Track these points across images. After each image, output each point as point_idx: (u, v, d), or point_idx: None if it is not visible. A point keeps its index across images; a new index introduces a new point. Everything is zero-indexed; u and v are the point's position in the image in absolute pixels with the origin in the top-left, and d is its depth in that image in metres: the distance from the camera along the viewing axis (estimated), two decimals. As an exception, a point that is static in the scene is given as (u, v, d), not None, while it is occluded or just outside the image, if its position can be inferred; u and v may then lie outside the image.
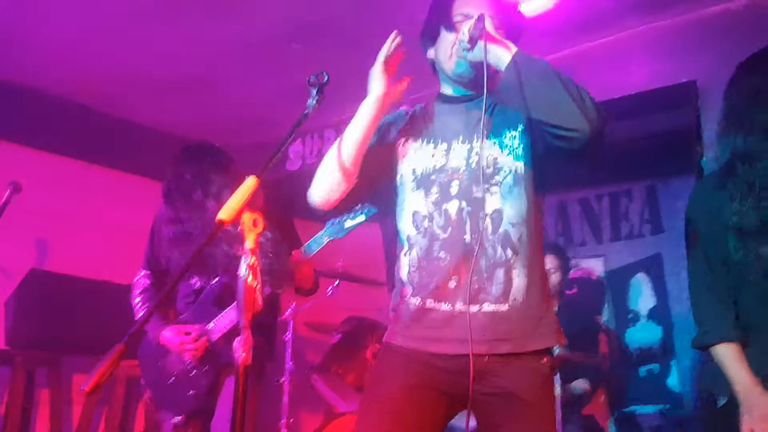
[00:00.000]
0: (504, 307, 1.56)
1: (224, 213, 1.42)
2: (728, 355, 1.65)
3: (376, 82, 1.66)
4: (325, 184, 1.67)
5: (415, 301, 1.64)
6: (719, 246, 1.68)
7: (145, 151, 4.01)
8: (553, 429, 1.62)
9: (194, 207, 2.53)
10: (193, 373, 2.49)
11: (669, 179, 3.91)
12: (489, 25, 1.57)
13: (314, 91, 1.65)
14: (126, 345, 1.24)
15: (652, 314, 3.95)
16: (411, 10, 2.71)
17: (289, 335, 3.21)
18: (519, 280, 1.57)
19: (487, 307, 1.56)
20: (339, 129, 3.94)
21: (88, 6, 2.90)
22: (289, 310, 3.24)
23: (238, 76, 3.52)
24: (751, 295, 1.65)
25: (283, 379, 3.13)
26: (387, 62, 1.65)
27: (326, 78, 1.66)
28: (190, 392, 2.47)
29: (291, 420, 3.11)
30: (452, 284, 1.58)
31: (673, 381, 3.69)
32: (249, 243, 1.45)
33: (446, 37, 1.69)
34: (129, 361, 2.63)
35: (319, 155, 4.03)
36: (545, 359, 1.59)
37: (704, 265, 1.74)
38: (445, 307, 1.59)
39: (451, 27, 1.67)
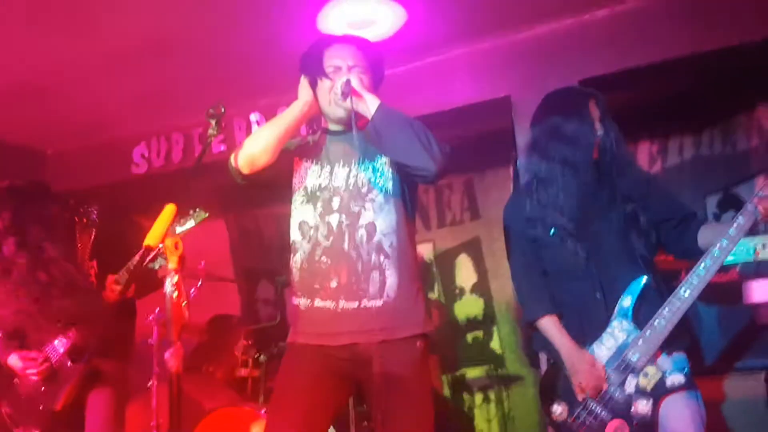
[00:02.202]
0: (379, 303, 1.86)
1: (150, 239, 1.59)
2: (550, 326, 2.09)
3: (305, 90, 1.98)
4: (253, 150, 1.88)
5: (304, 302, 1.92)
6: (529, 243, 2.16)
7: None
8: (426, 401, 1.90)
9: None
10: (43, 389, 2.62)
11: (484, 173, 4.45)
12: (356, 84, 1.88)
13: (213, 122, 1.86)
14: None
15: (474, 289, 4.49)
16: (251, 31, 2.95)
17: (154, 339, 3.24)
18: (391, 279, 1.88)
19: (365, 303, 1.86)
20: (187, 133, 3.99)
21: None
22: (153, 315, 3.28)
23: (82, 82, 3.43)
24: (562, 281, 2.13)
25: (150, 383, 3.17)
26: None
27: (223, 110, 1.88)
28: (41, 407, 2.60)
29: (160, 421, 3.17)
30: (333, 284, 1.88)
31: (495, 345, 4.29)
32: (172, 264, 1.63)
33: (322, 86, 1.97)
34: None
35: (167, 158, 4.04)
36: (419, 343, 1.91)
37: (521, 258, 2.21)
38: (329, 305, 1.88)
39: (325, 77, 1.96)
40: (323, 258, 1.89)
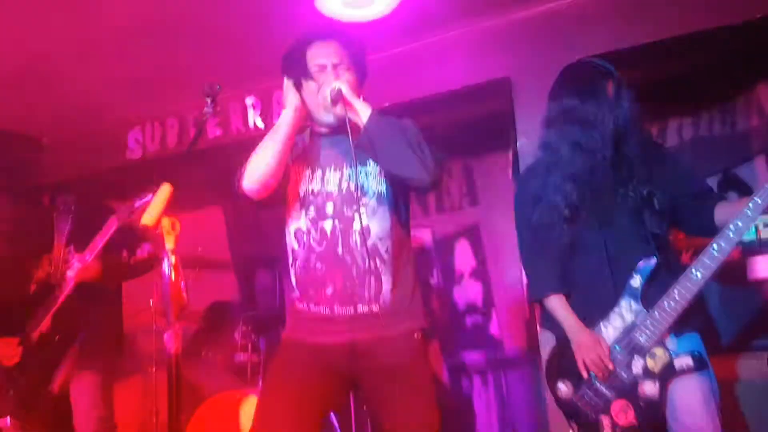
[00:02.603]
0: (375, 308, 1.84)
1: (148, 219, 1.56)
2: (556, 304, 2.07)
3: (291, 95, 1.90)
4: (256, 177, 1.83)
5: (301, 306, 1.90)
6: (540, 219, 2.11)
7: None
8: (428, 390, 1.90)
9: None
10: (13, 373, 2.64)
11: (482, 158, 4.42)
12: (346, 91, 1.82)
13: (209, 100, 1.82)
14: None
15: (474, 273, 4.49)
16: (246, 12, 2.91)
17: (156, 325, 3.24)
18: (387, 284, 1.86)
19: (361, 308, 1.84)
20: (181, 116, 3.95)
21: None
22: (151, 301, 3.27)
23: (76, 68, 3.39)
24: (572, 260, 2.09)
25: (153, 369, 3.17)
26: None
27: (218, 87, 1.84)
28: (10, 392, 2.62)
29: (159, 407, 3.18)
30: (329, 291, 1.85)
31: (494, 329, 4.29)
32: (169, 244, 1.60)
33: (308, 88, 1.90)
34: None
35: (162, 143, 4.00)
36: (416, 334, 1.90)
37: (530, 236, 2.17)
38: (324, 310, 1.86)
39: (310, 78, 1.89)
40: (318, 264, 1.87)
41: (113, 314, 2.95)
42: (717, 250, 1.89)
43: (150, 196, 2.50)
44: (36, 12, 2.87)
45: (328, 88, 1.83)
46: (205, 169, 3.18)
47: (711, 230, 1.98)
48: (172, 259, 1.59)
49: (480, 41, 3.33)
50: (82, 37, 3.10)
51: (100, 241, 2.56)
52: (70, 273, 2.57)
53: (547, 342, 2.24)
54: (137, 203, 2.54)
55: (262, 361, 3.11)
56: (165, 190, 1.59)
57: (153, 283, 3.04)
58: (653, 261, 1.99)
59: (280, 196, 1.91)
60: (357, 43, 1.99)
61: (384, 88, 3.01)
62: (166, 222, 1.58)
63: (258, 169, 1.84)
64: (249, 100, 3.74)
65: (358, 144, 1.80)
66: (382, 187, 1.90)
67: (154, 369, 3.19)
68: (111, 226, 2.56)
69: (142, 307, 3.33)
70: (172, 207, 1.60)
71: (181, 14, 3.00)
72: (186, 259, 3.21)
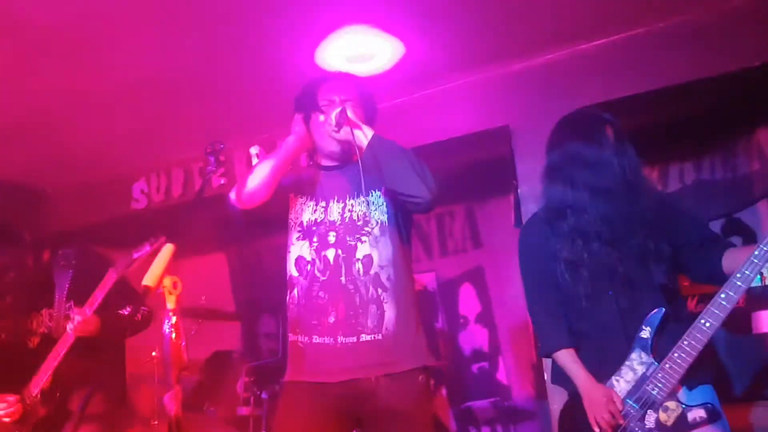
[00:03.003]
0: (378, 336, 1.83)
1: (149, 279, 1.56)
2: (567, 359, 2.03)
3: (299, 126, 2.01)
4: (250, 187, 1.90)
5: (302, 339, 1.88)
6: (547, 272, 2.08)
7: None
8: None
9: None
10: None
11: (485, 201, 4.41)
12: (350, 112, 1.88)
13: (212, 159, 1.85)
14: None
15: (479, 318, 4.43)
16: (250, 66, 2.97)
17: (157, 377, 3.20)
18: (390, 312, 1.85)
19: (364, 337, 1.83)
20: (186, 167, 3.99)
21: None
22: (155, 353, 3.24)
23: (81, 119, 3.45)
24: (577, 311, 2.06)
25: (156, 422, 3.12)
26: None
27: (222, 146, 1.87)
28: None
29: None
30: (331, 320, 1.84)
31: (501, 375, 4.21)
32: (170, 304, 1.59)
33: (316, 120, 1.99)
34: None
35: (167, 193, 4.03)
36: (421, 377, 1.87)
37: (538, 288, 2.14)
38: (327, 340, 1.84)
39: (319, 111, 1.98)
40: (320, 293, 1.87)
41: (116, 367, 2.91)
42: (725, 300, 1.86)
43: (147, 247, 2.53)
44: (39, 64, 2.93)
45: (334, 112, 1.89)
46: (208, 217, 3.19)
47: (719, 278, 1.94)
48: (173, 319, 1.57)
49: (480, 91, 3.41)
50: (86, 89, 3.16)
51: (99, 294, 2.55)
52: (69, 327, 2.55)
53: (557, 396, 2.20)
54: (135, 255, 2.54)
55: (264, 415, 3.06)
56: (167, 250, 1.59)
57: (156, 334, 3.00)
58: (662, 312, 1.95)
59: (262, 215, 1.95)
60: (367, 86, 2.09)
61: (387, 137, 3.04)
62: (167, 281, 1.57)
63: (251, 181, 1.91)
64: (254, 150, 3.77)
65: (363, 161, 1.84)
66: (385, 217, 1.93)
67: (156, 422, 3.14)
68: (110, 280, 2.56)
69: (146, 359, 3.29)
70: (176, 257, 1.60)
71: (184, 67, 3.07)
72: (189, 310, 3.22)
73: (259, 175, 1.91)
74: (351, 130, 1.86)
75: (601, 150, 2.07)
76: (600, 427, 1.94)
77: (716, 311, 1.86)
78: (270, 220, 2.01)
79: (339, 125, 1.87)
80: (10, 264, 2.73)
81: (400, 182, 1.83)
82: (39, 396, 2.61)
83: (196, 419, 3.21)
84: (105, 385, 2.76)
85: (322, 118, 1.95)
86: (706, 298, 1.90)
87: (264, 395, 3.08)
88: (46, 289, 2.75)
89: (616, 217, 2.03)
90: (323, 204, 1.97)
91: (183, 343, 1.59)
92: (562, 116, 2.25)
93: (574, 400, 2.04)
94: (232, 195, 1.94)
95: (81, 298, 2.64)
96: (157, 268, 1.56)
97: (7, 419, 2.61)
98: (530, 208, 2.41)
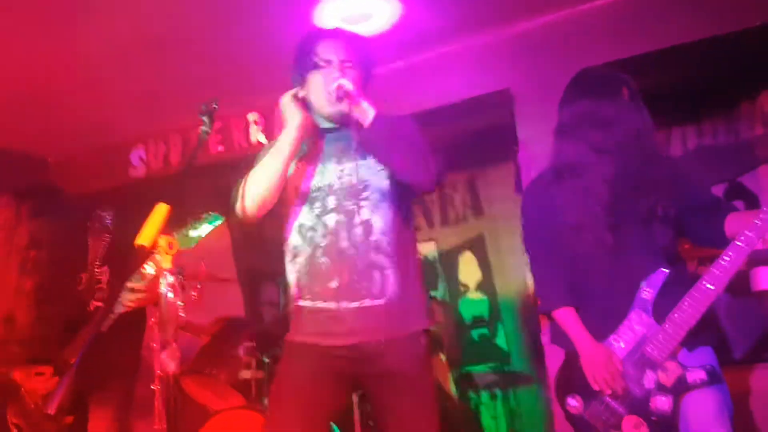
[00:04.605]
0: (381, 302, 1.82)
1: (144, 239, 1.55)
2: (567, 318, 2.02)
3: (292, 111, 1.89)
4: (258, 199, 1.85)
5: (305, 303, 1.88)
6: (550, 231, 2.06)
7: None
8: (430, 398, 1.88)
9: None
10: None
11: (486, 170, 4.41)
12: (347, 83, 1.81)
13: (206, 119, 1.82)
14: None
15: (479, 286, 4.47)
16: (247, 29, 2.93)
17: (157, 342, 3.22)
18: (392, 278, 1.84)
19: (368, 302, 1.82)
20: (184, 134, 3.97)
21: None
22: (153, 318, 3.25)
23: (79, 87, 3.42)
24: (579, 271, 2.04)
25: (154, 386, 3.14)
26: (296, 95, 1.89)
27: (215, 106, 1.84)
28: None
29: (163, 426, 3.15)
30: (334, 285, 1.83)
31: (501, 341, 4.25)
32: (166, 263, 1.60)
33: (315, 80, 1.90)
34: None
35: (165, 160, 4.02)
36: (422, 339, 1.88)
37: (540, 248, 2.12)
38: (330, 305, 1.83)
39: (316, 70, 1.89)
40: (323, 259, 1.85)
41: (137, 338, 2.84)
42: (728, 262, 1.85)
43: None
44: (37, 32, 2.90)
45: (335, 83, 1.83)
46: (208, 185, 3.18)
47: (721, 242, 1.93)
48: (170, 278, 1.58)
49: (480, 54, 3.35)
50: (84, 55, 3.12)
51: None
52: (125, 297, 2.41)
53: (555, 356, 2.20)
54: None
55: (266, 379, 3.08)
56: (161, 210, 1.58)
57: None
58: (664, 273, 1.94)
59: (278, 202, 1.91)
60: (366, 46, 2.01)
61: (385, 103, 3.01)
62: (162, 241, 1.57)
63: (258, 193, 1.85)
64: (251, 116, 3.75)
65: (361, 142, 1.82)
66: (385, 182, 1.89)
67: (157, 387, 3.16)
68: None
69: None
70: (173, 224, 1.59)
71: (182, 33, 3.03)
72: (189, 275, 3.21)
73: (265, 186, 1.85)
74: (350, 105, 1.82)
75: (616, 110, 2.04)
76: (598, 386, 1.95)
77: (719, 273, 1.85)
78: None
79: (339, 99, 1.83)
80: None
81: (398, 166, 1.81)
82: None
83: (198, 382, 3.24)
84: (125, 357, 2.65)
85: (320, 79, 1.89)
86: (706, 261, 1.88)
87: (266, 359, 3.10)
88: (80, 255, 2.56)
89: (626, 178, 2.00)
90: (321, 168, 1.92)
91: (179, 302, 1.59)
92: (578, 71, 2.20)
93: (571, 359, 2.04)
94: (239, 209, 1.87)
95: (116, 265, 2.51)
96: (151, 227, 1.56)
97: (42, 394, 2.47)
98: (531, 173, 2.38)
